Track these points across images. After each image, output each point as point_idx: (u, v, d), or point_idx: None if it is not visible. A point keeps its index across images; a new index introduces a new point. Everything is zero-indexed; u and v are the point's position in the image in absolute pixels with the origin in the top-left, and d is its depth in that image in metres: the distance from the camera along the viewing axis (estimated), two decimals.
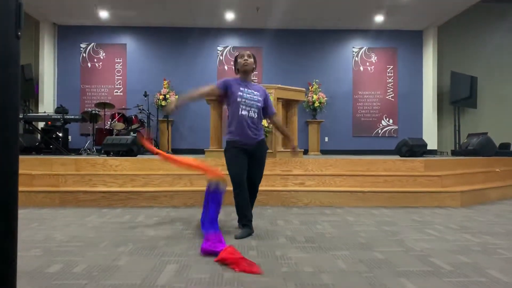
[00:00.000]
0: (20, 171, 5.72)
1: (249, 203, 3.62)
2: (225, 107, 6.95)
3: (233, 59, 3.78)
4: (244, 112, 3.54)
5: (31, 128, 9.01)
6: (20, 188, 5.33)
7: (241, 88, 3.59)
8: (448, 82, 11.35)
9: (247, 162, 3.60)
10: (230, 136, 3.63)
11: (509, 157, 8.25)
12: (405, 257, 2.91)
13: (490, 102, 11.48)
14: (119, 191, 5.28)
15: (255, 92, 3.64)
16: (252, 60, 3.67)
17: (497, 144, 8.93)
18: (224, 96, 3.66)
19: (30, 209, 4.90)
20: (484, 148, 8.19)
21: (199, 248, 3.04)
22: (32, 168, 5.94)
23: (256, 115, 3.60)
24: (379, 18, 10.71)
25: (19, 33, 1.08)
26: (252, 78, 3.84)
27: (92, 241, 3.35)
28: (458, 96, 11.11)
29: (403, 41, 11.65)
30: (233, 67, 3.82)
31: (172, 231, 3.75)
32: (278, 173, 5.77)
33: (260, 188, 3.87)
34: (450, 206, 5.36)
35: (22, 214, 4.61)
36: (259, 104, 3.62)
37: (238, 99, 3.55)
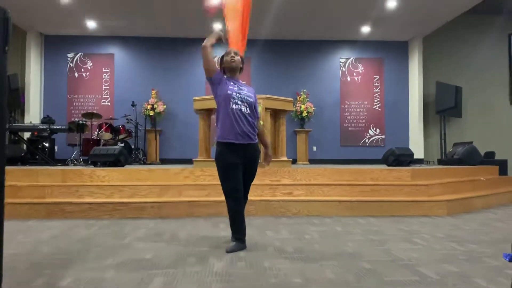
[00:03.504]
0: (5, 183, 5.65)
1: (244, 216, 3.48)
2: (213, 116, 6.97)
3: (219, 62, 3.66)
4: (235, 106, 3.34)
5: (16, 138, 8.91)
6: (5, 200, 5.25)
7: (231, 83, 3.44)
8: (434, 92, 11.52)
9: (242, 172, 3.42)
10: (222, 136, 3.38)
11: (493, 166, 8.38)
12: (393, 266, 2.93)
13: (474, 112, 11.67)
14: (106, 202, 5.24)
15: (246, 89, 3.49)
16: (239, 58, 3.51)
17: (482, 153, 9.06)
18: (216, 83, 3.45)
19: (15, 221, 4.82)
20: (469, 157, 8.31)
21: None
22: (17, 180, 5.85)
23: (249, 110, 3.40)
24: (365, 29, 10.85)
25: (6, 47, 1.08)
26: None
27: (79, 253, 3.31)
28: (444, 106, 11.27)
29: (389, 51, 11.81)
30: (220, 67, 3.61)
31: (159, 243, 3.72)
32: (267, 183, 5.77)
33: (248, 198, 3.84)
34: (436, 215, 5.42)
35: (7, 226, 4.51)
36: (251, 100, 3.44)
37: (229, 92, 3.36)
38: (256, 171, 3.61)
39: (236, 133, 3.34)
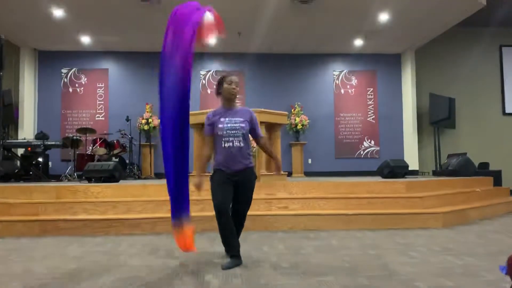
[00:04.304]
0: None
1: (235, 232, 3.48)
2: None
3: (216, 82, 3.70)
4: (227, 145, 3.43)
5: (10, 154, 8.85)
6: None
7: (221, 119, 3.48)
8: (427, 103, 11.61)
9: (232, 191, 3.46)
10: (216, 165, 3.53)
11: (488, 177, 8.42)
12: (390, 281, 2.92)
13: (468, 122, 11.75)
14: (100, 219, 5.19)
15: (238, 119, 3.50)
16: (238, 88, 3.58)
17: (476, 164, 9.10)
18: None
19: (7, 240, 4.76)
20: (463, 168, 8.34)
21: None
22: (10, 196, 5.81)
23: (242, 143, 3.47)
24: (358, 42, 10.96)
25: (0, 73, 1.08)
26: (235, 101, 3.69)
27: (74, 272, 3.27)
28: (437, 117, 11.35)
29: (382, 64, 11.91)
30: (216, 90, 3.64)
31: (155, 260, 3.69)
32: (263, 197, 5.74)
33: (244, 224, 3.77)
34: (432, 227, 5.41)
35: None
36: (243, 131, 3.47)
37: (220, 133, 3.44)
38: (251, 194, 3.62)
39: (231, 166, 3.47)
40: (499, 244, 4.33)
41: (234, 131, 3.45)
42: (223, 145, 3.45)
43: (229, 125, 3.46)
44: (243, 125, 3.50)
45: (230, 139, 3.44)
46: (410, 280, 2.93)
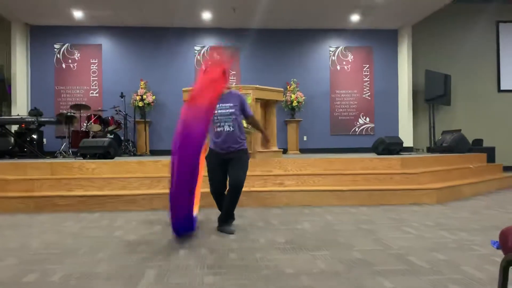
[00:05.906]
0: None
1: (222, 198, 3.86)
2: None
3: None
4: (219, 129, 3.67)
5: (4, 131, 8.78)
6: None
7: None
8: (423, 80, 11.56)
9: (225, 170, 3.74)
10: (211, 145, 3.81)
11: (482, 153, 8.47)
12: (383, 256, 2.96)
13: (463, 100, 11.74)
14: (96, 195, 5.21)
15: (228, 104, 3.69)
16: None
17: (470, 141, 9.14)
18: None
19: (3, 216, 4.78)
20: (457, 144, 8.39)
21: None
22: (5, 173, 5.79)
23: (233, 128, 3.68)
24: (354, 18, 10.81)
25: None
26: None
27: (70, 247, 3.29)
28: (433, 94, 11.32)
29: (378, 40, 11.79)
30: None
31: (151, 235, 3.71)
32: (258, 174, 5.77)
33: (239, 185, 3.84)
34: (426, 203, 5.47)
35: None
36: (233, 116, 3.68)
37: (212, 117, 3.62)
38: (243, 164, 3.79)
39: (222, 148, 3.72)
40: (492, 220, 4.40)
41: (225, 117, 3.67)
42: (215, 129, 3.69)
43: (220, 111, 3.66)
44: (232, 110, 3.70)
45: (222, 124, 3.67)
46: (403, 254, 2.98)
